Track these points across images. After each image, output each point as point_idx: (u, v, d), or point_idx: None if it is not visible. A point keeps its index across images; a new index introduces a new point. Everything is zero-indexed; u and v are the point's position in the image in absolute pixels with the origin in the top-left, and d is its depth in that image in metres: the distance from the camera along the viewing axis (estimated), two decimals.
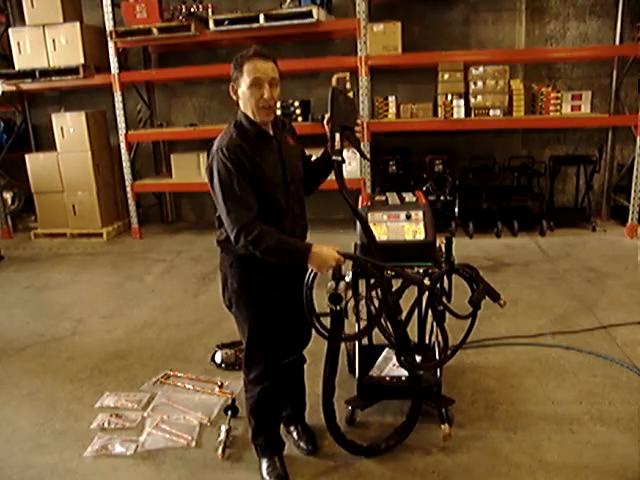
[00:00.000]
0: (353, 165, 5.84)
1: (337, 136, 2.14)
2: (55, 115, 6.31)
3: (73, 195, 6.37)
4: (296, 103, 5.81)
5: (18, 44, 6.15)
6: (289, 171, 2.17)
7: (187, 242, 6.01)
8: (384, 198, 2.79)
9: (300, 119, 5.80)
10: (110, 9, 5.86)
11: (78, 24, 5.99)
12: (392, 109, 5.76)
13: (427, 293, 2.26)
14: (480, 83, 5.50)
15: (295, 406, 2.59)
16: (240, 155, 2.01)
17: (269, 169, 2.09)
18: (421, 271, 2.30)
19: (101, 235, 6.37)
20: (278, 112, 5.83)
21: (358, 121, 2.25)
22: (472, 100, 5.54)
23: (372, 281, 2.33)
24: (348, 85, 2.27)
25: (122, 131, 6.20)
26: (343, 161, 2.17)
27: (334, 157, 2.15)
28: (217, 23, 5.61)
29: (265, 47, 2.13)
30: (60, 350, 3.65)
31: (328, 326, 2.20)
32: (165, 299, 4.46)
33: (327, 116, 2.16)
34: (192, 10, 5.79)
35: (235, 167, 1.99)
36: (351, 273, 2.39)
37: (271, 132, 2.18)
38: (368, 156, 2.28)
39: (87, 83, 6.17)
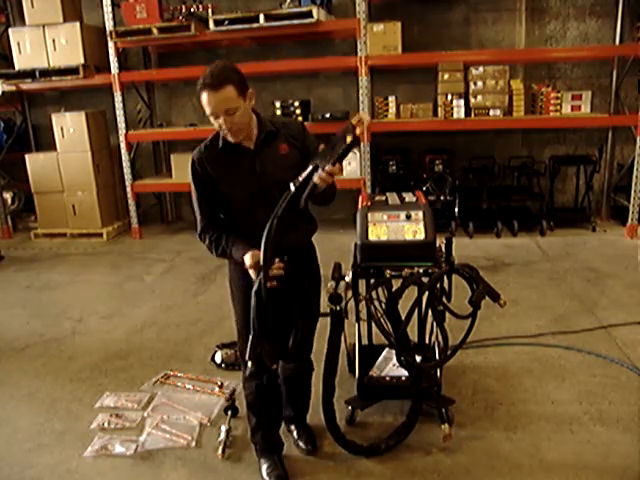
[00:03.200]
0: (353, 165, 5.84)
1: (308, 169, 1.95)
2: (55, 115, 6.31)
3: (73, 195, 6.37)
4: (296, 103, 5.80)
5: (18, 44, 6.15)
6: (267, 181, 2.12)
7: (187, 242, 6.01)
8: (384, 198, 2.79)
9: (300, 119, 5.80)
10: (110, 9, 5.86)
11: (78, 24, 5.99)
12: (392, 109, 5.76)
13: (427, 293, 2.26)
14: (480, 83, 5.50)
15: (297, 409, 2.59)
16: (199, 168, 2.14)
17: (235, 180, 2.13)
18: (421, 271, 2.30)
19: (101, 235, 6.37)
20: (278, 112, 5.85)
21: (328, 167, 1.89)
22: (472, 100, 5.54)
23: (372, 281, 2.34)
24: (359, 131, 1.92)
25: (122, 131, 6.20)
26: (295, 195, 1.93)
27: (290, 184, 1.95)
28: (217, 23, 5.60)
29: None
30: (60, 350, 3.65)
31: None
32: (165, 299, 4.46)
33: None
34: (192, 10, 5.79)
35: (194, 178, 2.17)
36: (351, 273, 2.40)
37: (251, 144, 2.14)
38: (303, 204, 2.01)
39: (87, 83, 6.17)
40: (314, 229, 2.38)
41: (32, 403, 3.03)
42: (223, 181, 2.13)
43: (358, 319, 2.62)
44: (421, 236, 2.43)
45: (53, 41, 6.04)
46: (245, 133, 2.09)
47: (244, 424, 2.70)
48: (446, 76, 5.55)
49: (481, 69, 5.50)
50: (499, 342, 3.41)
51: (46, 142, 6.86)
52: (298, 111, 5.79)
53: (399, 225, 2.46)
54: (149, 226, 6.73)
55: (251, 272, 2.03)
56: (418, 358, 2.47)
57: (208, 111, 2.00)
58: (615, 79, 5.87)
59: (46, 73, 6.14)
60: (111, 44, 5.94)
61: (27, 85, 6.32)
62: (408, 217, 2.47)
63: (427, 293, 2.25)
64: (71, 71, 6.06)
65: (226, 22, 5.58)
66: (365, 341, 2.88)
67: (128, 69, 6.47)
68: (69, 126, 6.23)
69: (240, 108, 2.00)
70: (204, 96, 1.97)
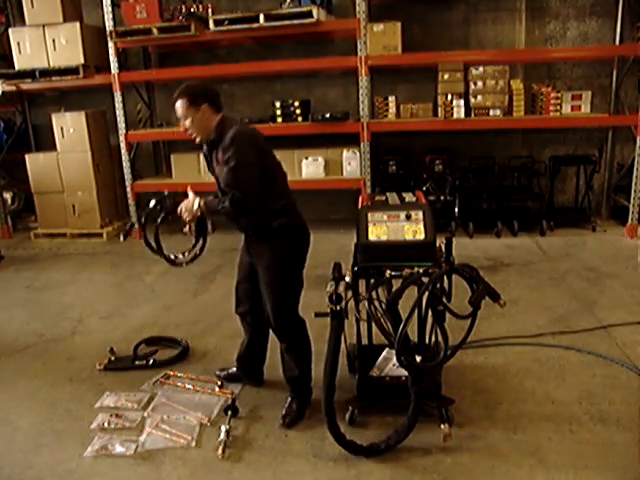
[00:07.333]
0: (353, 165, 5.85)
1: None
2: (55, 115, 6.31)
3: (73, 195, 6.37)
4: (296, 103, 5.80)
5: (18, 44, 6.15)
6: (215, 179, 2.69)
7: (187, 242, 5.99)
8: (384, 198, 2.79)
9: (300, 119, 5.79)
10: (110, 9, 5.86)
11: (78, 24, 5.99)
12: (392, 109, 5.76)
13: (427, 293, 2.26)
14: (480, 83, 5.51)
15: (285, 376, 2.83)
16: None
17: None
18: (421, 271, 2.30)
19: (101, 235, 6.37)
20: (278, 112, 5.84)
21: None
22: (472, 100, 5.54)
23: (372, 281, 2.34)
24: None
25: (122, 131, 6.20)
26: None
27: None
28: (217, 23, 5.61)
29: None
30: (60, 350, 3.65)
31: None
32: (165, 299, 4.46)
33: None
34: (192, 10, 5.79)
35: None
36: (351, 273, 2.40)
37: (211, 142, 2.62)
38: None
39: (87, 83, 6.17)
40: (258, 224, 2.62)
41: (32, 403, 3.03)
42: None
43: (358, 319, 2.62)
44: (421, 236, 2.43)
45: (53, 41, 6.04)
46: (199, 137, 2.62)
47: (244, 424, 2.70)
48: (446, 76, 5.55)
49: (481, 69, 5.50)
50: (499, 342, 3.41)
51: (46, 142, 6.87)
52: (298, 111, 5.79)
53: (399, 225, 2.47)
54: (149, 226, 6.70)
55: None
56: (418, 358, 2.47)
57: None
58: (615, 79, 5.87)
59: (46, 73, 6.14)
60: (111, 44, 5.94)
61: (27, 85, 6.32)
62: (408, 217, 2.47)
63: (427, 293, 2.25)
64: (71, 71, 6.06)
65: (226, 22, 5.59)
66: (365, 341, 2.88)
67: (128, 69, 6.47)
68: (69, 126, 6.23)
69: (189, 117, 2.55)
70: None
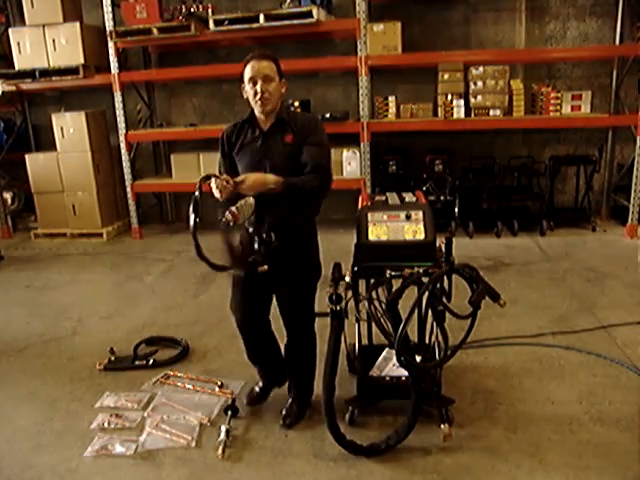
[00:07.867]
0: (353, 165, 5.84)
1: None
2: (55, 115, 6.31)
3: (73, 195, 6.37)
4: (296, 103, 5.80)
5: (18, 44, 6.15)
6: (265, 164, 2.41)
7: (187, 242, 5.92)
8: (384, 198, 2.79)
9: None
10: (110, 9, 5.86)
11: (78, 24, 5.99)
12: (392, 109, 5.76)
13: (427, 293, 2.26)
14: (480, 83, 5.51)
15: (290, 377, 2.80)
16: (224, 135, 2.56)
17: (243, 152, 2.50)
18: (421, 271, 2.30)
19: (101, 235, 6.37)
20: None
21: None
22: (472, 100, 5.54)
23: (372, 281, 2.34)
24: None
25: (122, 131, 6.20)
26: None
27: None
28: (217, 23, 5.61)
29: (266, 48, 2.22)
30: (60, 350, 3.65)
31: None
32: (165, 299, 4.46)
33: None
34: (192, 10, 5.78)
35: (220, 144, 2.58)
36: (351, 273, 2.40)
37: (266, 126, 2.46)
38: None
39: (87, 83, 6.17)
40: (298, 219, 2.48)
41: (32, 403, 3.03)
42: (239, 148, 2.51)
43: (358, 319, 2.62)
44: (421, 236, 2.43)
45: (53, 41, 6.04)
46: (271, 106, 2.41)
47: (244, 424, 2.70)
48: (446, 76, 5.55)
49: (481, 69, 5.50)
50: (499, 342, 3.41)
51: (46, 142, 6.86)
52: (298, 111, 5.79)
53: (399, 225, 2.46)
54: (149, 226, 6.72)
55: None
56: (418, 358, 2.47)
57: (249, 76, 2.38)
58: (615, 79, 5.87)
59: (46, 73, 6.14)
60: (111, 44, 5.94)
61: (27, 85, 6.32)
62: (408, 217, 2.47)
63: (427, 293, 2.25)
64: (71, 71, 6.06)
65: (226, 22, 5.58)
66: (365, 341, 2.88)
67: (128, 69, 6.47)
68: (69, 126, 6.23)
69: (275, 81, 2.40)
70: (250, 64, 2.41)
